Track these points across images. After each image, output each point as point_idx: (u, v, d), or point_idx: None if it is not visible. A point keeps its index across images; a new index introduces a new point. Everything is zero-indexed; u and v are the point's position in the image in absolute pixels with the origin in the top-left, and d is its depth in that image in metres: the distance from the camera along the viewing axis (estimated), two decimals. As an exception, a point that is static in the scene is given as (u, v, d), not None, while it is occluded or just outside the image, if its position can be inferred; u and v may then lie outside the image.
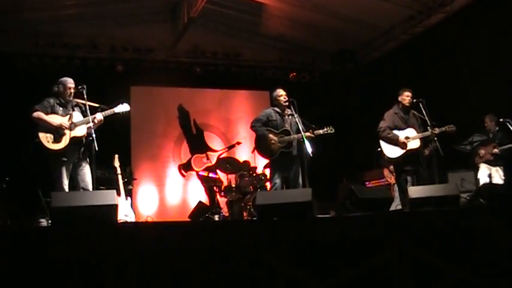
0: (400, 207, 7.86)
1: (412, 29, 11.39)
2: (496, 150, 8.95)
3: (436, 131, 7.64)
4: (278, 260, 4.64)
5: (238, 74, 13.26)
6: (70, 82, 6.98)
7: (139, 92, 12.37)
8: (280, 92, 7.94)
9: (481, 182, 8.99)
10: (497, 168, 9.02)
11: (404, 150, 7.81)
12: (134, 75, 12.24)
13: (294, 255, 4.71)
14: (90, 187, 6.84)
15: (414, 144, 7.81)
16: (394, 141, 7.87)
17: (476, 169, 9.25)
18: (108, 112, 7.04)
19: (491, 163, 9.02)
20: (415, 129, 7.89)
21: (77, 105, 7.04)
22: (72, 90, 6.94)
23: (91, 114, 6.85)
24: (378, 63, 12.69)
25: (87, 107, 6.85)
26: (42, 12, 10.57)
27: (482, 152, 9.16)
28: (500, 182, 8.88)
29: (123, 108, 7.18)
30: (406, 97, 8.01)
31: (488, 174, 9.03)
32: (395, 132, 7.92)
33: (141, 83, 12.37)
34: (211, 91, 13.24)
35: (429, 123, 7.68)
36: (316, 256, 4.83)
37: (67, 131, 6.75)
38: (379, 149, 8.15)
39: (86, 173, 6.88)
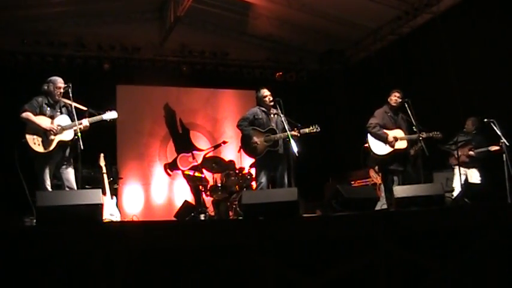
0: (385, 206, 7.91)
1: (399, 29, 11.43)
2: (471, 152, 9.00)
3: (423, 135, 7.75)
4: (265, 259, 4.65)
5: (226, 73, 13.25)
6: (60, 81, 6.93)
7: (125, 91, 12.34)
8: (265, 93, 7.95)
9: (457, 183, 9.05)
10: (473, 169, 9.07)
11: (392, 149, 7.88)
12: (121, 74, 12.24)
13: (281, 255, 4.72)
14: (75, 186, 6.82)
15: (401, 144, 7.89)
16: (383, 139, 7.94)
17: (452, 169, 9.31)
18: (96, 119, 6.98)
19: (467, 165, 9.05)
20: (402, 130, 7.96)
21: (65, 105, 7.00)
22: (62, 90, 6.90)
23: (78, 116, 6.80)
24: (366, 63, 12.73)
25: (73, 108, 6.83)
26: (28, 10, 10.48)
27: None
28: (478, 182, 8.95)
29: (111, 115, 7.14)
30: (394, 97, 8.07)
31: (465, 174, 9.06)
32: (384, 131, 7.99)
33: (128, 81, 12.35)
34: (198, 90, 13.23)
35: (415, 126, 7.74)
36: (303, 255, 4.84)
37: (55, 136, 6.72)
38: (366, 145, 8.20)
39: (70, 172, 6.86)
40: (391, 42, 11.91)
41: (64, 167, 6.83)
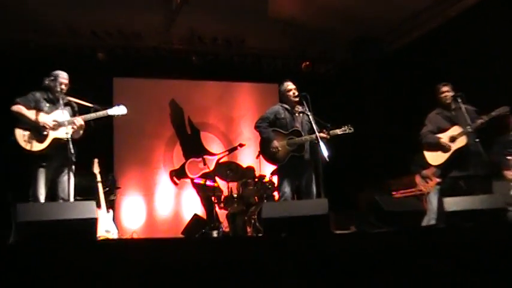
0: (433, 222, 7.81)
1: (446, 11, 11.32)
2: None
3: (484, 118, 7.55)
4: (288, 283, 4.59)
5: (242, 64, 13.26)
6: (63, 76, 7.13)
7: (124, 85, 12.39)
8: (289, 86, 7.93)
9: None
10: None
11: (449, 153, 7.76)
12: (118, 65, 12.27)
13: (307, 279, 4.66)
14: (72, 198, 6.84)
15: (461, 142, 7.75)
16: (437, 144, 7.86)
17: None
18: (98, 115, 7.10)
19: None
20: (460, 126, 7.82)
21: (69, 103, 7.12)
22: (64, 87, 7.10)
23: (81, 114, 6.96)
24: (407, 52, 12.63)
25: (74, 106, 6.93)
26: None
27: None
28: None
29: (118, 110, 7.31)
30: (441, 93, 8.00)
31: None
32: (438, 135, 7.91)
33: (127, 73, 12.42)
34: (209, 84, 13.26)
35: (468, 120, 7.61)
36: (334, 280, 4.77)
37: (50, 132, 6.77)
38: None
39: (70, 181, 6.86)
40: (436, 27, 11.79)
41: (62, 175, 6.89)
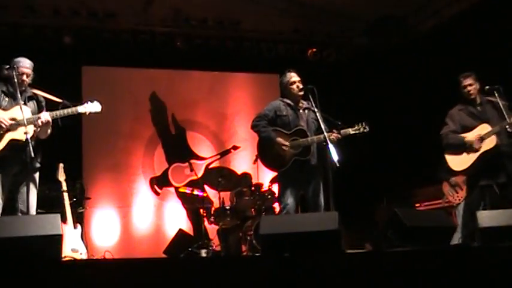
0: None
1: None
2: None
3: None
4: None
5: (237, 50, 13.26)
6: (25, 65, 7.07)
7: (94, 74, 12.44)
8: (293, 78, 7.95)
9: None
10: None
11: (477, 155, 7.77)
12: (88, 51, 12.26)
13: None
14: (33, 210, 6.86)
15: (490, 143, 7.76)
16: (462, 145, 7.87)
17: None
18: (65, 112, 7.07)
19: None
20: (490, 123, 7.85)
21: (34, 97, 7.10)
22: (26, 77, 7.04)
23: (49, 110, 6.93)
24: (436, 34, 12.65)
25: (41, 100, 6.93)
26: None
27: None
28: None
29: (91, 107, 7.27)
30: (466, 87, 8.01)
31: None
32: (463, 135, 7.93)
33: (98, 61, 12.44)
34: (198, 74, 13.31)
35: (506, 116, 7.62)
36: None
37: (6, 132, 6.76)
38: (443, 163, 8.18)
39: (31, 191, 6.88)
40: (471, 5, 11.81)
41: (23, 184, 6.88)
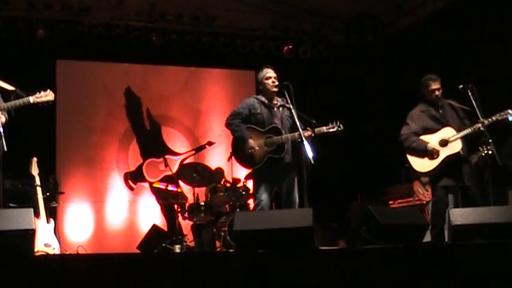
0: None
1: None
2: None
3: (485, 122, 7.62)
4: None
5: (212, 45, 13.23)
6: None
7: (69, 68, 12.37)
8: (268, 73, 7.91)
9: None
10: None
11: (440, 160, 7.83)
12: (62, 45, 12.20)
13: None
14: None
15: (454, 147, 7.83)
16: (423, 151, 7.93)
17: None
18: (16, 103, 6.95)
19: None
20: (453, 127, 7.91)
21: None
22: None
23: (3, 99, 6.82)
24: (410, 33, 12.70)
25: None
26: None
27: None
28: None
29: (43, 97, 7.12)
30: (434, 90, 8.05)
31: None
32: (424, 138, 7.97)
33: (72, 55, 12.35)
34: (173, 69, 13.29)
35: (479, 115, 7.66)
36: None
37: None
38: (407, 165, 8.21)
39: None
40: (446, 5, 11.86)
41: None
